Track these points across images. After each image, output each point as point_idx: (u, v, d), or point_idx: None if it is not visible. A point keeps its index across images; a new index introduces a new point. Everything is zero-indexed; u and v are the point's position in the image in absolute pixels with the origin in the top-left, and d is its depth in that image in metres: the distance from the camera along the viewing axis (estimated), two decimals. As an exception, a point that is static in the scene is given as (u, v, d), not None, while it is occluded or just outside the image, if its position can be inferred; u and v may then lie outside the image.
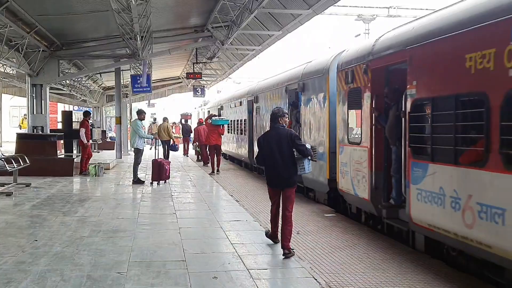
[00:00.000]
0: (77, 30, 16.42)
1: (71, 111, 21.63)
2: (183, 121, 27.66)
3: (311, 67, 11.48)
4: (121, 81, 21.89)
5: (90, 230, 7.65)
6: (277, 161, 6.59)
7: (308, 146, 6.92)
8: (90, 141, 15.74)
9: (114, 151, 26.84)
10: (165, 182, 13.46)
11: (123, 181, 14.19)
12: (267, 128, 8.56)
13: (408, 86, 6.75)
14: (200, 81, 31.39)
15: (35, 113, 15.88)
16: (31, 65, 15.65)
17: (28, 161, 12.31)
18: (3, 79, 22.67)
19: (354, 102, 8.74)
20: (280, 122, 6.80)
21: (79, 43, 17.66)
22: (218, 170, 16.78)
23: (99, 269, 5.63)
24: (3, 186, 11.44)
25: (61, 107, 39.52)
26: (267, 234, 7.10)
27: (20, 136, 15.87)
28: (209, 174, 16.51)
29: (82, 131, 15.00)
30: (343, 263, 6.14)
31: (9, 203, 10.00)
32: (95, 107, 35.88)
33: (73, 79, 23.50)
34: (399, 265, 6.05)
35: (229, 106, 21.81)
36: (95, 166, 15.10)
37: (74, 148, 18.38)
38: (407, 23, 7.55)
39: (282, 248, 6.41)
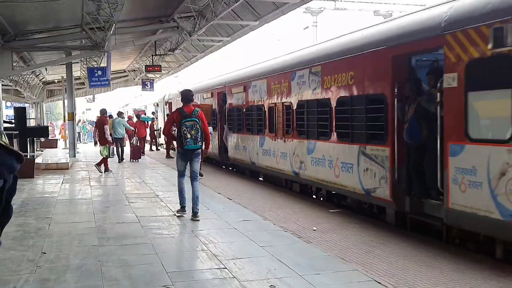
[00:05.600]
0: (28, 19, 15.04)
1: (25, 107, 19.94)
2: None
3: (200, 86, 19.91)
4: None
5: (97, 238, 6.91)
6: None
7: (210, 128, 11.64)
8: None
9: (57, 149, 25.52)
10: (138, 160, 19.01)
11: (89, 181, 13.24)
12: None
13: (228, 102, 15.39)
14: (148, 75, 30.21)
15: (-14, 110, 14.46)
16: (-19, 57, 14.22)
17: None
18: None
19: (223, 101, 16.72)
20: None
21: (30, 33, 16.27)
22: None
23: (140, 284, 5.01)
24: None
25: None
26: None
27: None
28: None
29: (107, 128, 15.31)
30: (391, 262, 5.86)
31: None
32: (34, 103, 33.70)
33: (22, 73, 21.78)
34: (449, 262, 5.84)
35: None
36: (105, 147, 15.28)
37: (28, 147, 16.91)
38: (226, 74, 17.20)
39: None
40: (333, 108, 9.04)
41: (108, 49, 15.37)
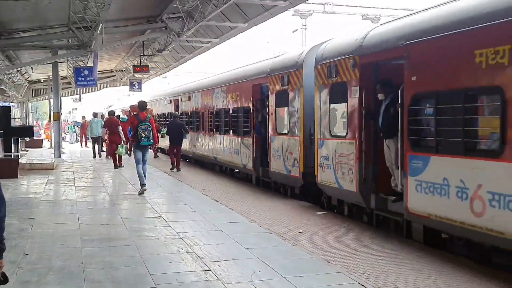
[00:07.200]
0: (14, 18, 14.90)
1: (9, 106, 19.67)
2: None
3: (163, 94, 25.06)
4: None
5: (81, 239, 6.85)
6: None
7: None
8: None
9: (42, 149, 25.27)
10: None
11: (77, 182, 13.13)
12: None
13: (180, 108, 20.68)
14: (136, 75, 30.01)
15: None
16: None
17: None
18: None
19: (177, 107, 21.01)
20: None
21: (17, 32, 16.10)
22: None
23: (123, 286, 4.98)
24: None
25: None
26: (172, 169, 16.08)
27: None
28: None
29: (121, 129, 16.00)
30: (375, 265, 5.88)
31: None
32: (19, 102, 33.34)
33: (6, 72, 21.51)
34: (430, 265, 5.89)
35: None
36: (122, 147, 15.53)
37: (12, 147, 16.68)
38: (180, 86, 23.02)
39: (177, 170, 15.83)
40: (230, 114, 14.05)
41: (95, 48, 15.28)
